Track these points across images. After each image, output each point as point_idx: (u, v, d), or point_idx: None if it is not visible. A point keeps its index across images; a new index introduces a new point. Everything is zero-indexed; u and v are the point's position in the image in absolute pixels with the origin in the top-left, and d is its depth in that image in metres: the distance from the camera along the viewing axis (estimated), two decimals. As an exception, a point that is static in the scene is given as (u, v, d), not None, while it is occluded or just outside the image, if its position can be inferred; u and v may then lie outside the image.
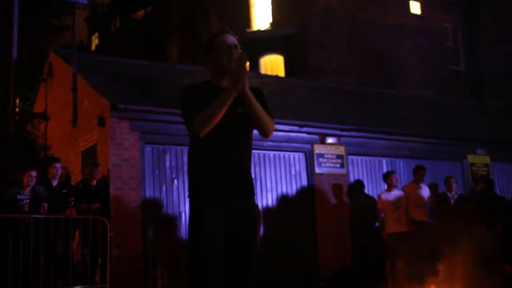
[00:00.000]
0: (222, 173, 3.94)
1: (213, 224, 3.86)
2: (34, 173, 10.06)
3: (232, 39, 4.06)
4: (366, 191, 13.44)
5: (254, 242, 3.99)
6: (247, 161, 4.08)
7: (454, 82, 24.49)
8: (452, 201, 12.55)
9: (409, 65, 23.02)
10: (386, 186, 12.35)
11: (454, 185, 12.70)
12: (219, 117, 3.81)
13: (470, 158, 15.24)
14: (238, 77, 3.75)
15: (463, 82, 25.03)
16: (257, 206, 4.14)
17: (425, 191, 12.27)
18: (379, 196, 12.26)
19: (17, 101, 16.71)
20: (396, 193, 12.03)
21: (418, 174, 12.36)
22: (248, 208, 4.01)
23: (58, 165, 10.47)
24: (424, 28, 24.03)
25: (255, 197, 4.14)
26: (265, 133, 3.98)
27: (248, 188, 4.05)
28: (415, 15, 24.39)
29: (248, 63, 3.87)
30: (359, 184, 13.34)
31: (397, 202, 11.85)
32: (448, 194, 12.62)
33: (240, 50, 4.03)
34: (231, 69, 3.85)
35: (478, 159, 15.36)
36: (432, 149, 14.53)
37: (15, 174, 10.74)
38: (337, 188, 13.12)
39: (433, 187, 12.97)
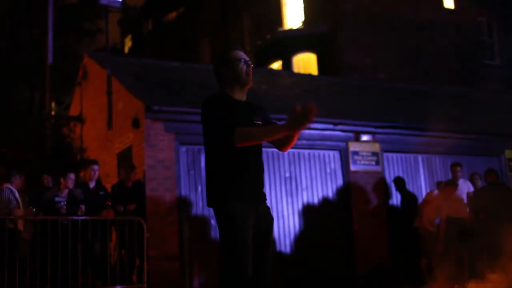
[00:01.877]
0: (256, 179, 4.18)
1: (249, 229, 4.03)
2: (72, 176, 10.24)
3: (244, 55, 4.32)
4: (402, 188, 13.29)
5: (271, 244, 4.23)
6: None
7: (490, 77, 24.18)
8: None
9: (443, 60, 22.79)
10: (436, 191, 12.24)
11: (479, 182, 12.24)
12: (261, 141, 4.10)
13: (508, 153, 14.97)
14: (302, 122, 3.76)
15: (499, 76, 24.70)
16: None
17: (464, 187, 12.08)
18: (431, 192, 12.24)
19: (53, 104, 16.93)
20: (445, 199, 11.89)
21: (453, 171, 12.24)
22: (270, 212, 4.26)
23: (95, 167, 10.59)
24: (458, 23, 23.75)
25: None
26: (285, 149, 4.31)
27: (265, 193, 4.29)
28: (448, 10, 24.13)
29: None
30: (396, 181, 13.19)
31: (440, 205, 11.72)
32: None
33: (252, 65, 4.29)
34: (296, 111, 3.77)
35: (516, 153, 15.10)
36: (468, 145, 14.30)
37: (50, 180, 10.88)
38: (372, 185, 13.04)
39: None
